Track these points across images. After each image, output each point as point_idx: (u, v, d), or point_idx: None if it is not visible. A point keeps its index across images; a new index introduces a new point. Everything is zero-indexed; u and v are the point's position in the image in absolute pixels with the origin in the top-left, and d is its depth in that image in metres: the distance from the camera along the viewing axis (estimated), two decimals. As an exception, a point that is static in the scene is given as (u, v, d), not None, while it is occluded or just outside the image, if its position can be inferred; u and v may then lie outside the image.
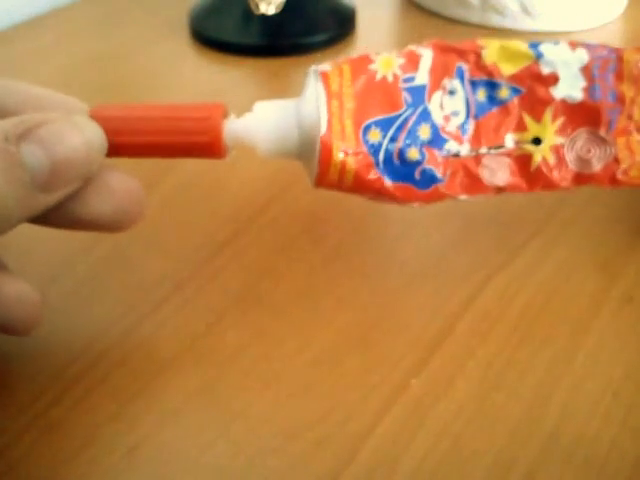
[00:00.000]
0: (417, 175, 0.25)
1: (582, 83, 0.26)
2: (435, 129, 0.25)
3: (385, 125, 0.24)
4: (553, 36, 0.46)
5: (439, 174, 0.25)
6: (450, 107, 0.25)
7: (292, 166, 0.28)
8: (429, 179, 0.25)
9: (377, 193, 0.25)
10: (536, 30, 0.46)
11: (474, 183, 0.26)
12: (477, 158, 0.25)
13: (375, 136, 0.24)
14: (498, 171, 0.26)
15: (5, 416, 0.23)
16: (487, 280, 0.28)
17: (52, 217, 0.23)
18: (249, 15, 0.44)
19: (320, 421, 0.23)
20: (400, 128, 0.24)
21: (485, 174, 0.25)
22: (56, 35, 0.46)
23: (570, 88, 0.26)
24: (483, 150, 0.25)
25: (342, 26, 0.46)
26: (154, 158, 0.25)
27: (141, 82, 0.42)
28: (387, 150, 0.24)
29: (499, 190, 0.26)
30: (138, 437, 0.22)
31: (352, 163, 0.24)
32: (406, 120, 0.24)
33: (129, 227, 0.24)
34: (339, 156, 0.24)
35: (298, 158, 0.25)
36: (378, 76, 0.25)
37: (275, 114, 0.25)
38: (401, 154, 0.24)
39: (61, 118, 0.22)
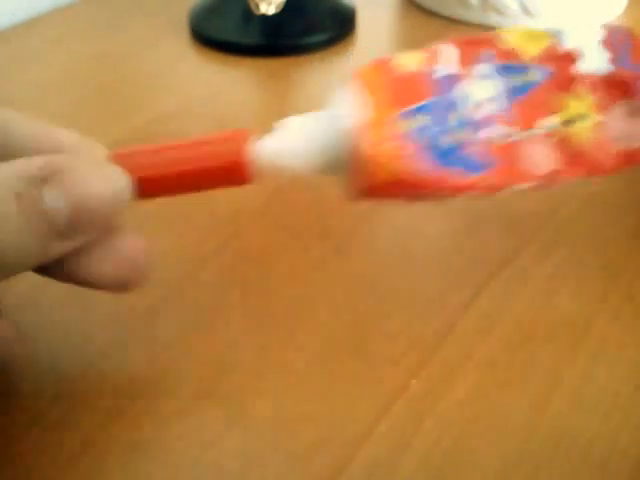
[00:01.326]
0: (462, 158, 0.24)
1: (606, 55, 0.25)
2: (469, 116, 0.24)
3: (418, 113, 0.23)
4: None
5: (482, 159, 0.24)
6: (484, 93, 0.24)
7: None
8: (474, 164, 0.24)
9: (423, 184, 0.23)
10: (536, 30, 0.46)
11: (517, 170, 0.24)
12: (517, 143, 0.24)
13: (411, 124, 0.23)
14: (540, 156, 0.25)
15: (6, 416, 0.23)
16: (488, 280, 0.28)
17: (49, 269, 0.22)
18: (249, 15, 0.44)
19: (320, 421, 0.23)
20: (433, 114, 0.24)
21: (527, 160, 0.24)
22: (56, 35, 0.46)
23: (596, 61, 0.25)
24: (522, 135, 0.24)
25: (342, 26, 0.46)
26: (181, 194, 0.23)
27: (141, 82, 0.42)
28: (426, 136, 0.23)
29: (543, 178, 0.25)
30: (138, 437, 0.22)
31: (394, 153, 0.23)
32: (437, 107, 0.24)
33: (131, 290, 0.22)
34: (381, 148, 0.23)
35: (335, 170, 0.24)
36: (403, 70, 0.24)
37: (306, 126, 0.23)
38: (439, 138, 0.23)
39: (86, 163, 0.21)
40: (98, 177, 0.20)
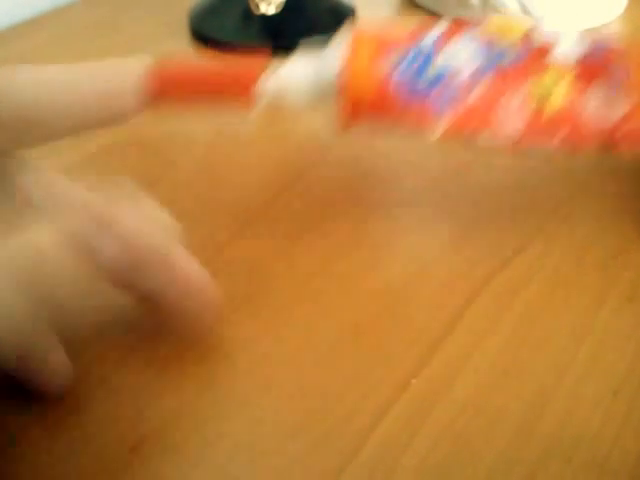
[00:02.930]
0: (436, 92, 0.26)
1: (582, 45, 0.27)
2: (445, 74, 0.27)
3: (400, 58, 0.27)
4: (553, 36, 0.46)
5: (458, 97, 0.26)
6: (465, 57, 0.27)
7: (304, 156, 0.28)
8: (447, 99, 0.26)
9: (397, 110, 0.27)
10: (536, 30, 0.46)
11: (487, 117, 0.27)
12: (494, 96, 0.26)
13: (394, 57, 0.27)
14: (512, 113, 0.26)
15: (7, 416, 0.23)
16: (488, 280, 0.28)
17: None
18: (249, 15, 0.44)
19: (321, 420, 0.23)
20: (416, 57, 0.27)
21: (500, 111, 0.26)
22: (55, 35, 0.46)
23: (571, 48, 0.27)
24: (499, 94, 0.26)
25: (342, 26, 0.46)
26: (199, 103, 0.28)
27: (141, 82, 0.41)
28: (403, 71, 0.26)
29: (509, 138, 0.27)
30: (139, 437, 0.22)
31: (373, 76, 0.27)
32: (420, 54, 0.27)
33: (196, 316, 0.24)
34: (361, 72, 0.27)
35: (327, 101, 0.27)
36: (395, 33, 0.28)
37: (302, 62, 0.28)
38: (420, 70, 0.26)
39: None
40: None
